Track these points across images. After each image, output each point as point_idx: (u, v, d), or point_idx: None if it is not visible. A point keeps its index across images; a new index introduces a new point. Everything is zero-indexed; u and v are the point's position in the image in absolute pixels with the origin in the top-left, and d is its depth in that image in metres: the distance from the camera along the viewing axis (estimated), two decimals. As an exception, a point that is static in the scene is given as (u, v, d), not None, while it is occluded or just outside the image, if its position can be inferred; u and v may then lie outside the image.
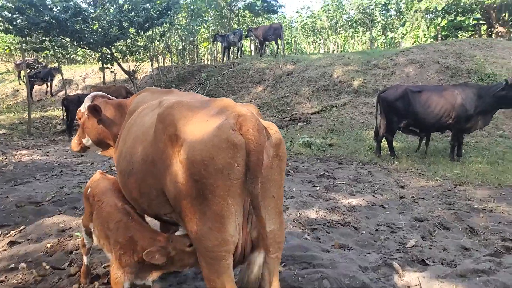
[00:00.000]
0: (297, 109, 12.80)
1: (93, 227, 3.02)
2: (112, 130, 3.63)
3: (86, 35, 14.49)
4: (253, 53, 22.51)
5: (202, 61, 24.41)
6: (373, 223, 4.90)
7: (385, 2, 23.87)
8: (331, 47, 25.80)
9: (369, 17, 23.80)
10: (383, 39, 24.11)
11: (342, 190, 6.28)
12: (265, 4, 23.33)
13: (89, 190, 3.20)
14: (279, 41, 18.20)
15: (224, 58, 20.12)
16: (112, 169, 7.71)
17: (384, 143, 8.74)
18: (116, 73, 18.94)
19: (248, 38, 21.17)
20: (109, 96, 3.99)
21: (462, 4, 20.04)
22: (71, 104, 12.51)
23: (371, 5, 24.10)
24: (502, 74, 11.03)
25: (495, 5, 19.95)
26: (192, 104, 2.31)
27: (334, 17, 26.62)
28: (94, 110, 3.52)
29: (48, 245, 4.01)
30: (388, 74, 12.89)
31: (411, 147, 9.15)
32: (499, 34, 20.18)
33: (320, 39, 26.76)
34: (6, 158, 8.97)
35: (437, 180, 6.73)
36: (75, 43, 15.77)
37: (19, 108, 17.91)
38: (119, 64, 16.88)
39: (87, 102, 3.70)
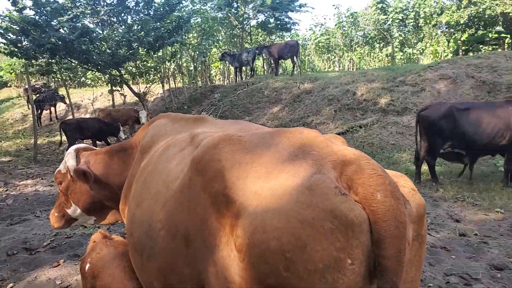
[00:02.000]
0: (319, 130, 11.76)
1: None
2: (111, 184, 2.66)
3: (94, 57, 13.89)
4: (265, 72, 21.80)
5: (214, 81, 23.79)
6: (439, 272, 3.92)
7: (402, 17, 23.06)
8: (346, 65, 25.02)
9: (386, 33, 22.98)
10: (401, 55, 23.22)
11: (387, 226, 5.29)
12: (278, 22, 22.70)
13: (87, 266, 2.24)
14: (295, 59, 17.42)
15: (237, 78, 19.39)
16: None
17: (424, 167, 7.72)
18: (126, 95, 18.34)
19: (260, 57, 20.46)
20: (92, 147, 3.01)
21: (486, 16, 19.10)
22: (68, 128, 11.88)
23: (388, 20, 23.31)
24: (548, 88, 10.01)
25: (520, 17, 19.03)
26: (248, 141, 1.49)
27: (349, 34, 25.89)
28: (83, 176, 2.60)
29: (39, 315, 3.15)
30: (418, 91, 11.90)
31: (453, 171, 8.10)
32: (525, 47, 19.18)
33: (335, 57, 25.99)
34: (7, 190, 8.23)
35: (497, 212, 5.67)
36: (82, 65, 15.18)
37: (27, 133, 17.30)
38: (128, 86, 16.25)
39: (70, 160, 2.75)
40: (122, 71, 15.90)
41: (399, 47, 23.47)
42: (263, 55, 18.85)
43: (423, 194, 6.76)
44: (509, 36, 20.73)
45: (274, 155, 1.36)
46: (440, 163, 8.61)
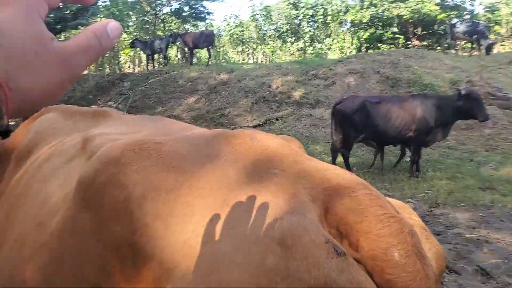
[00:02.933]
0: (236, 121, 11.84)
1: None
2: None
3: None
4: (180, 61, 21.18)
5: (123, 69, 22.48)
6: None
7: (312, 13, 24.06)
8: (259, 58, 25.41)
9: (297, 27, 23.82)
10: (311, 50, 24.27)
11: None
12: (193, 11, 22.17)
13: None
14: (211, 49, 17.16)
15: (149, 66, 18.53)
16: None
17: (338, 159, 8.10)
18: (22, 82, 16.43)
19: (174, 45, 19.81)
20: None
21: (384, 17, 20.90)
22: None
23: (299, 15, 24.14)
24: (439, 84, 11.17)
25: (411, 20, 21.12)
26: (172, 150, 0.95)
27: (262, 27, 26.31)
28: None
29: None
30: (329, 84, 12.49)
31: (365, 162, 8.65)
32: (415, 47, 21.36)
33: (248, 49, 26.22)
34: None
35: (409, 202, 6.15)
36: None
37: None
38: (25, 71, 14.57)
39: None
40: (17, 54, 14.19)
41: (309, 42, 24.48)
42: (177, 43, 18.24)
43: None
44: (402, 36, 22.98)
45: (215, 175, 0.88)
46: (352, 155, 9.12)
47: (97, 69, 19.02)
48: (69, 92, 16.15)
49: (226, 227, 0.76)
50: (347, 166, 7.77)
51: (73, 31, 15.33)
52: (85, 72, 18.38)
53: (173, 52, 22.48)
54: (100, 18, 18.07)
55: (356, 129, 7.42)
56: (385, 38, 23.62)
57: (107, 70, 19.07)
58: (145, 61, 19.00)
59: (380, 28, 23.19)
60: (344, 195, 0.79)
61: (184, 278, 0.73)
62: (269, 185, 0.83)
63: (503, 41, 21.65)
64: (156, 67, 18.46)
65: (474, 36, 16.75)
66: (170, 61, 20.05)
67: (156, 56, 18.73)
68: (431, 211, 5.72)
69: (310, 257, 0.69)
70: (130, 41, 19.11)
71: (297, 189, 0.81)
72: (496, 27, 22.18)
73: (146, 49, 17.67)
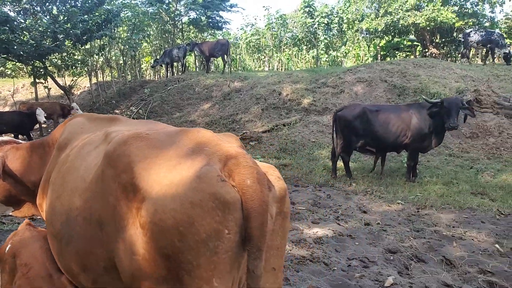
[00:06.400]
0: (247, 127, 12.40)
1: None
2: (27, 180, 2.81)
3: (15, 47, 13.14)
4: (197, 69, 21.96)
5: (144, 76, 23.42)
6: (343, 256, 4.50)
7: (327, 21, 24.49)
8: (275, 65, 25.95)
9: (312, 35, 24.28)
10: (326, 58, 24.66)
11: (304, 217, 5.85)
12: (210, 20, 22.96)
13: (8, 247, 2.28)
14: (225, 58, 17.82)
15: (168, 74, 19.36)
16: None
17: (339, 163, 8.53)
18: (50, 88, 17.49)
19: (192, 53, 20.59)
20: (17, 140, 3.17)
21: (399, 26, 21.06)
22: None
23: (314, 24, 24.62)
24: (446, 93, 11.45)
25: (428, 28, 21.21)
26: (154, 138, 1.72)
27: (278, 35, 26.88)
28: None
29: None
30: (337, 93, 12.94)
31: (366, 167, 9.05)
32: (433, 55, 21.44)
33: (264, 57, 26.82)
34: None
35: (398, 203, 6.56)
36: (2, 55, 14.27)
37: None
38: (53, 78, 15.57)
39: None
40: (46, 63, 15.16)
41: (325, 49, 24.88)
42: (195, 52, 19.00)
43: (338, 188, 7.52)
44: (420, 44, 23.08)
45: (176, 151, 1.61)
46: (355, 160, 9.54)
47: (120, 76, 19.95)
48: (94, 98, 17.11)
49: (176, 174, 1.50)
50: (347, 170, 8.21)
51: (98, 41, 16.26)
52: (108, 79, 19.39)
53: (191, 59, 23.27)
54: (123, 28, 19.04)
55: (356, 135, 7.85)
56: (402, 46, 23.78)
57: (129, 77, 19.97)
58: (164, 69, 19.84)
59: (397, 36, 23.34)
60: (233, 158, 1.53)
61: (156, 195, 1.47)
62: (201, 155, 1.56)
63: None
64: (174, 75, 19.27)
65: (488, 45, 16.77)
66: (189, 68, 20.81)
67: (174, 64, 19.56)
68: (418, 211, 6.11)
69: (209, 181, 1.44)
70: (152, 61, 20.19)
71: (214, 156, 1.55)
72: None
73: (165, 58, 18.51)
